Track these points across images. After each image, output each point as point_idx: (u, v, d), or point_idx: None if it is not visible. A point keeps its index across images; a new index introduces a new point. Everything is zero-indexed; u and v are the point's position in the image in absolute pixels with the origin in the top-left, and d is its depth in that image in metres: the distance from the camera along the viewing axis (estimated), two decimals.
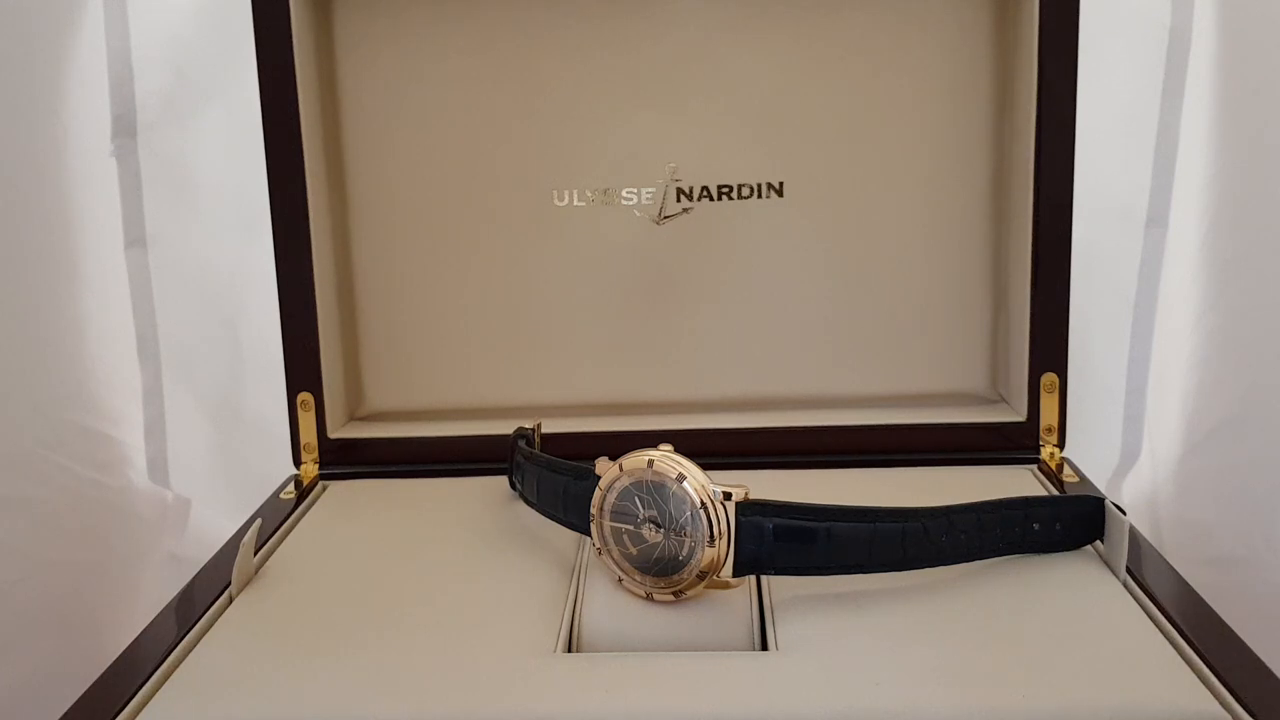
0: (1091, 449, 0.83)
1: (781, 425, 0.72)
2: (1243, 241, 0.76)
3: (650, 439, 0.53)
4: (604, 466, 0.53)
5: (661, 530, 0.50)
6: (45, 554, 0.75)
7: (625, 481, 0.51)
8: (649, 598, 0.52)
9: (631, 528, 0.51)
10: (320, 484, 0.71)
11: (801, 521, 0.49)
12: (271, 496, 0.69)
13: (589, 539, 0.54)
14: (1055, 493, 0.65)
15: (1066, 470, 0.68)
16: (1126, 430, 0.88)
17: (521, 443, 0.64)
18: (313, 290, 0.70)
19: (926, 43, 0.70)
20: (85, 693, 0.47)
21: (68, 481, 0.78)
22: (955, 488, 0.58)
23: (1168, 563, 0.55)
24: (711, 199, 0.73)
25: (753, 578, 0.53)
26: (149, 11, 0.82)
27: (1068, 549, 0.56)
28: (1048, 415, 0.70)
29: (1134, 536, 0.56)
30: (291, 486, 0.70)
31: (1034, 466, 0.69)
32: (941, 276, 0.73)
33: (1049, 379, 0.69)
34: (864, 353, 0.74)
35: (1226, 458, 0.78)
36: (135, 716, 0.45)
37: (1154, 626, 0.49)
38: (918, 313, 0.74)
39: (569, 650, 0.50)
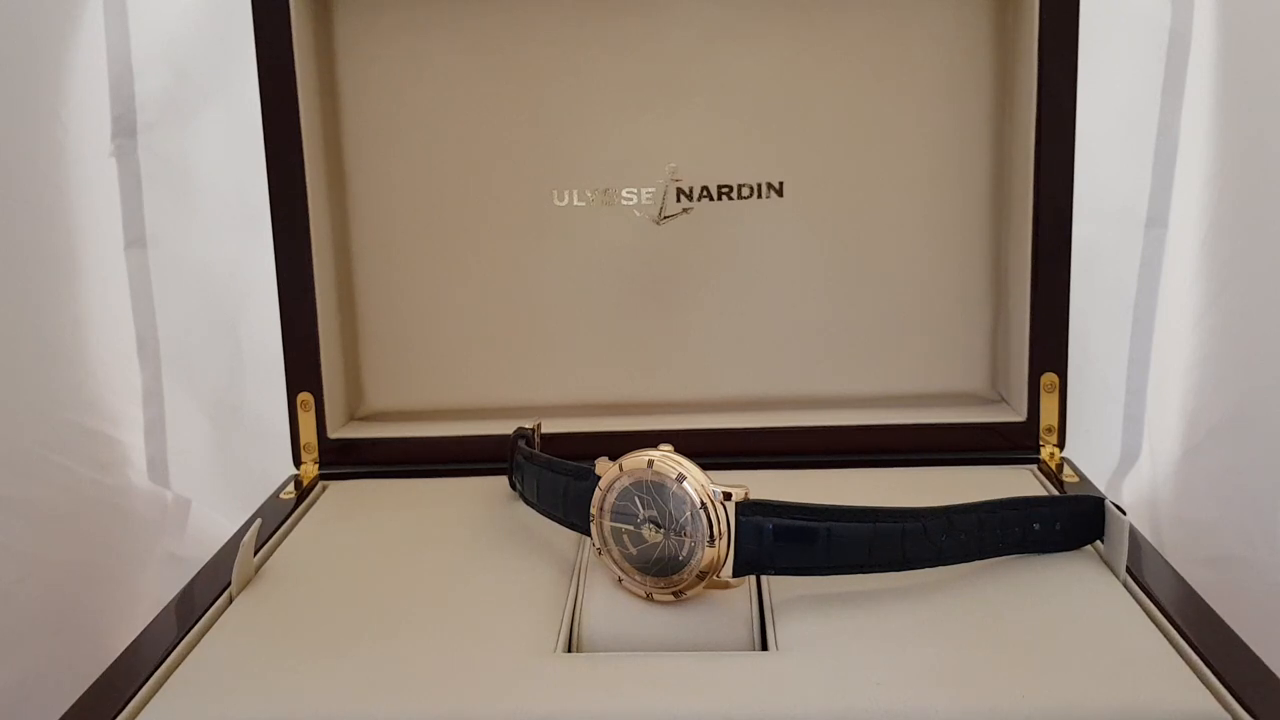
0: (1091, 449, 0.83)
1: (781, 425, 0.72)
2: (1243, 241, 0.76)
3: (650, 439, 0.53)
4: (604, 466, 0.53)
5: (661, 530, 0.50)
6: (45, 554, 0.75)
7: (625, 481, 0.51)
8: (649, 598, 0.52)
9: (631, 528, 0.51)
10: (320, 484, 0.71)
11: (801, 521, 0.49)
12: (271, 496, 0.69)
13: (589, 539, 0.54)
14: (1055, 493, 0.65)
15: (1066, 470, 0.68)
16: (1126, 430, 0.88)
17: (521, 443, 0.64)
18: (313, 290, 0.71)
19: (926, 43, 0.70)
20: (85, 693, 0.47)
21: (68, 481, 0.78)
22: (955, 488, 0.58)
23: (1167, 562, 0.55)
24: (711, 199, 0.72)
25: (753, 578, 0.53)
26: (149, 11, 0.82)
27: (1068, 549, 0.56)
28: (1048, 415, 0.70)
29: (1134, 536, 0.56)
30: (291, 486, 0.70)
31: (1034, 466, 0.69)
32: (941, 277, 0.73)
33: (1049, 379, 0.69)
34: (864, 353, 0.74)
35: (1226, 458, 0.78)
36: (135, 716, 0.45)
37: (1154, 626, 0.49)
38: (918, 313, 0.74)
39: (569, 650, 0.50)
